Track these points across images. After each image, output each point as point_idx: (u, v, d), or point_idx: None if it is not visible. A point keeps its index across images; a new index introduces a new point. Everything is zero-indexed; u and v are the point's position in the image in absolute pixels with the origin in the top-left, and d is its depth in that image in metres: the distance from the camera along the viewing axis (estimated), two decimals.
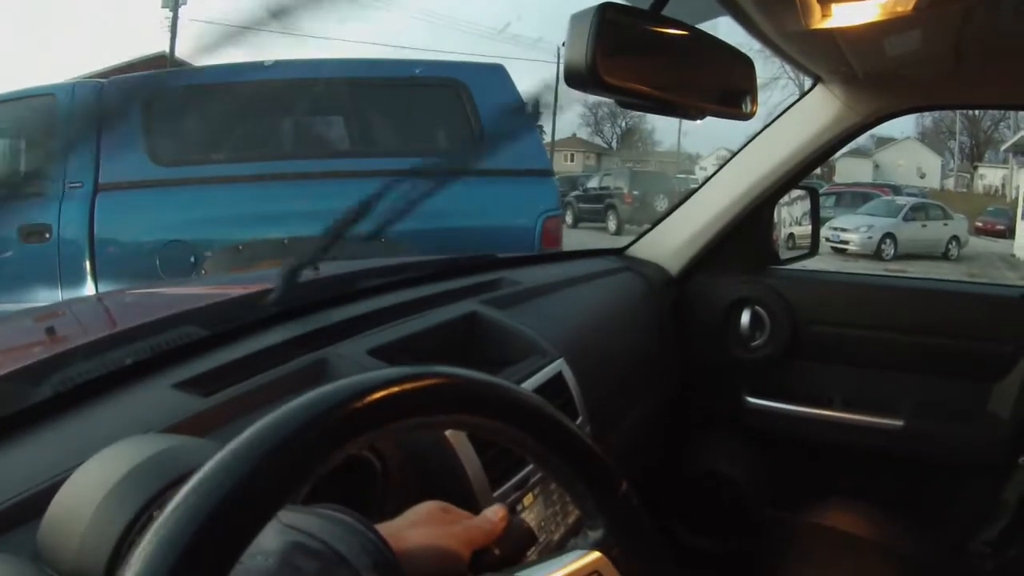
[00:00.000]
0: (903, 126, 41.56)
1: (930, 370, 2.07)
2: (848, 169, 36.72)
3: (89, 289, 3.69)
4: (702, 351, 2.21)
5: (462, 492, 0.97)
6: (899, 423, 2.05)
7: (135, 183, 3.78)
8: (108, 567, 0.58)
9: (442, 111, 4.13)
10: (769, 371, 2.17)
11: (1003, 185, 33.89)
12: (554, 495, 1.17)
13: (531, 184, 4.04)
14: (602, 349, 1.62)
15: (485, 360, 1.30)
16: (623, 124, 47.47)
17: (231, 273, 3.48)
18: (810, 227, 2.30)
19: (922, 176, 38.45)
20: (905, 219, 18.74)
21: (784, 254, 2.25)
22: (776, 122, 2.08)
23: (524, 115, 4.43)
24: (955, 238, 19.28)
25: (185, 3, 20.73)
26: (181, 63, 17.82)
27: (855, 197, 22.51)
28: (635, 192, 21.80)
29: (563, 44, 0.89)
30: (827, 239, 16.75)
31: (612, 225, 21.09)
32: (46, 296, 3.64)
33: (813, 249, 2.31)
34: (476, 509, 0.73)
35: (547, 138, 36.14)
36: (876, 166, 39.35)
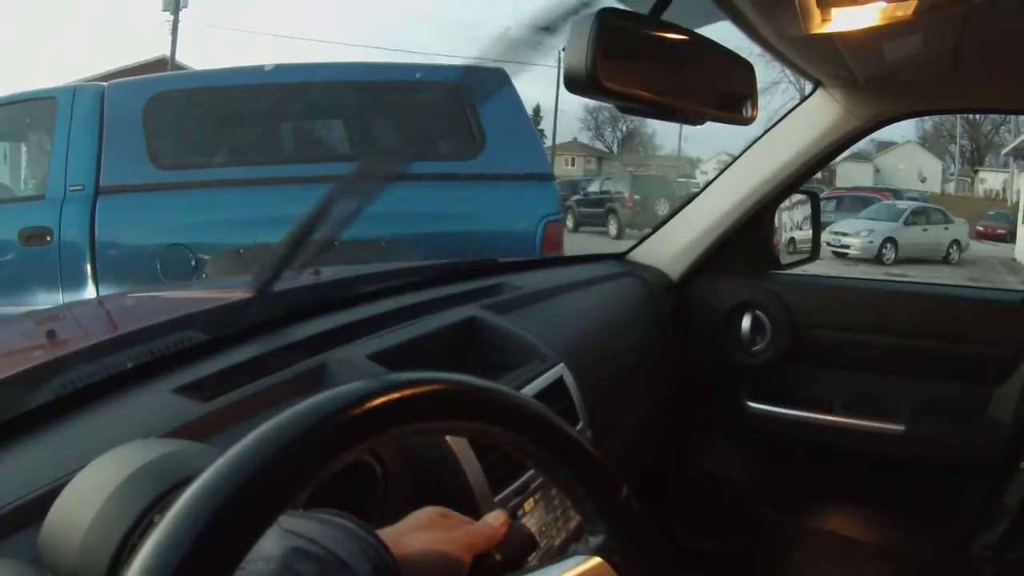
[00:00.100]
0: (903, 130, 41.58)
1: (931, 374, 2.07)
2: (849, 173, 36.72)
3: (90, 292, 3.68)
4: (703, 355, 2.21)
5: (463, 497, 0.97)
6: (900, 427, 2.05)
7: (136, 186, 3.78)
8: (109, 571, 0.58)
9: (443, 115, 4.13)
10: (770, 375, 2.17)
11: (1004, 189, 33.86)
12: (555, 500, 1.17)
13: (532, 188, 4.03)
14: (603, 354, 1.62)
15: (485, 365, 1.30)
16: (624, 128, 47.56)
17: (232, 277, 3.48)
18: (811, 231, 2.30)
19: (923, 180, 38.41)
20: (906, 223, 18.74)
21: (785, 258, 2.25)
22: (777, 127, 2.08)
23: (525, 119, 4.43)
24: (956, 242, 19.27)
25: (186, 6, 20.78)
26: (182, 67, 17.86)
27: (856, 201, 22.51)
28: (636, 196, 21.79)
29: (563, 49, 0.89)
30: (828, 243, 16.76)
31: (613, 229, 21.09)
32: (47, 299, 3.64)
33: (814, 253, 2.31)
34: (477, 514, 0.73)
35: (548, 142, 36.20)
36: (877, 170, 39.32)
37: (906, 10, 1.25)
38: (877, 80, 1.84)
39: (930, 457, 2.06)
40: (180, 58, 20.59)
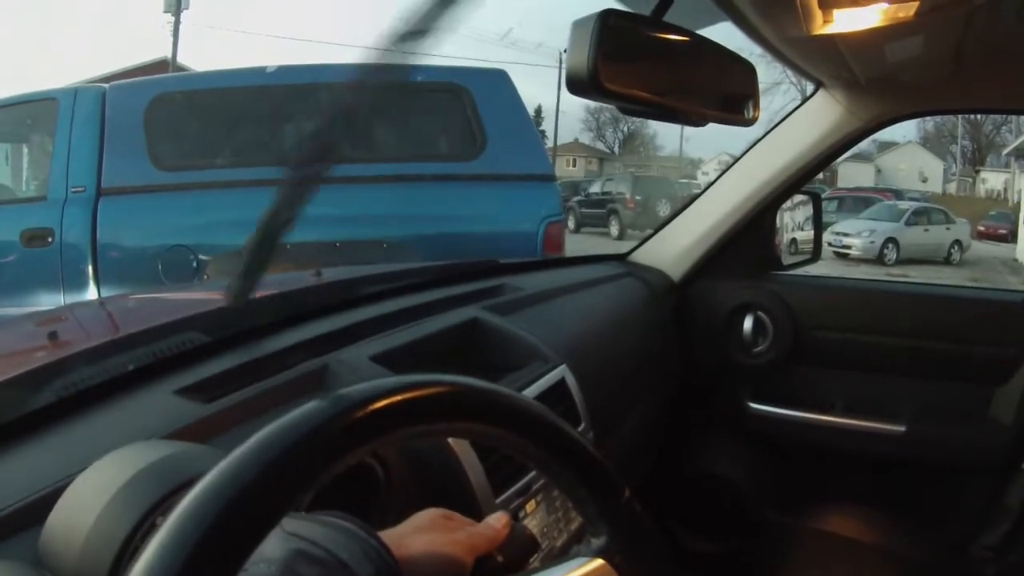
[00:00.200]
0: (905, 130, 41.57)
1: (932, 375, 2.07)
2: (850, 173, 36.71)
3: (91, 294, 3.69)
4: (704, 356, 2.21)
5: (464, 499, 0.97)
6: (901, 428, 2.04)
7: (138, 187, 3.78)
8: (110, 574, 0.58)
9: (444, 116, 4.13)
10: (771, 376, 2.17)
11: (1005, 189, 33.87)
12: (556, 502, 1.17)
13: (533, 189, 4.03)
14: (605, 355, 1.62)
15: (487, 366, 1.30)
16: (625, 129, 47.61)
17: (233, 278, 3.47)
18: (812, 232, 2.30)
19: (924, 180, 38.40)
20: (907, 223, 18.73)
21: (786, 259, 2.25)
22: (778, 127, 2.08)
23: (526, 120, 4.43)
24: (957, 242, 19.25)
25: (187, 8, 20.80)
26: (183, 68, 17.87)
27: (857, 202, 22.50)
28: (637, 197, 21.82)
29: (565, 50, 0.89)
30: (829, 244, 16.75)
31: (614, 230, 21.11)
32: (48, 300, 3.64)
33: (815, 254, 2.31)
34: (479, 516, 0.73)
35: (549, 143, 36.20)
36: (878, 170, 39.32)
37: (908, 11, 1.25)
38: (879, 81, 1.84)
39: (931, 458, 2.06)
40: (181, 59, 20.64)
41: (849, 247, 17.76)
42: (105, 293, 3.70)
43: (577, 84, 0.88)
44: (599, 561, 0.65)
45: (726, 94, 1.13)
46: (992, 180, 36.51)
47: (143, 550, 0.41)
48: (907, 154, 39.83)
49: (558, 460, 0.63)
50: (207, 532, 0.42)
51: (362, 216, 3.73)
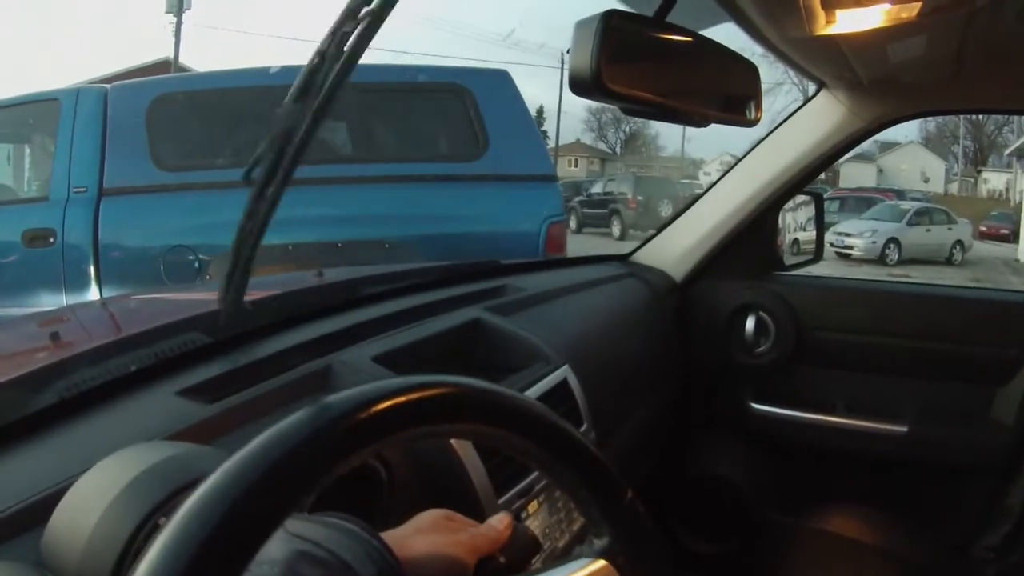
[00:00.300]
0: (907, 130, 41.54)
1: (934, 375, 2.07)
2: (852, 174, 36.66)
3: (93, 294, 3.68)
4: (706, 357, 2.21)
5: (467, 500, 0.97)
6: (903, 428, 2.04)
7: (139, 188, 3.77)
8: (113, 574, 0.58)
9: (446, 116, 4.13)
10: (773, 377, 2.17)
11: (1007, 189, 33.81)
12: (559, 502, 1.17)
13: (535, 189, 4.03)
14: (606, 355, 1.62)
15: (489, 367, 1.30)
16: (627, 129, 47.56)
17: None
18: (814, 232, 2.30)
19: (926, 180, 38.34)
20: (909, 224, 18.71)
21: (788, 260, 2.25)
22: (780, 128, 2.08)
23: (528, 120, 4.43)
24: (959, 243, 19.23)
25: (189, 8, 20.81)
26: (185, 69, 17.89)
27: (859, 202, 22.49)
28: (639, 197, 21.81)
29: (567, 50, 0.89)
30: (831, 244, 16.75)
31: (616, 230, 21.11)
32: (50, 301, 3.64)
33: (817, 255, 2.31)
34: (481, 517, 0.73)
35: (551, 143, 36.20)
36: (880, 171, 39.26)
37: (910, 12, 1.25)
38: (881, 82, 1.84)
39: (933, 458, 2.06)
40: (183, 60, 20.66)
41: (851, 247, 17.75)
42: (107, 293, 3.70)
43: (580, 85, 0.88)
44: (601, 562, 0.65)
45: (729, 95, 1.13)
46: (994, 180, 36.47)
47: (146, 551, 0.41)
48: (909, 154, 39.78)
49: (560, 461, 0.63)
50: (211, 533, 0.42)
51: (364, 216, 3.73)
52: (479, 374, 0.63)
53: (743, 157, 2.15)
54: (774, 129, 2.10)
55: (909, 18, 1.28)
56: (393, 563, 0.58)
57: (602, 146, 48.85)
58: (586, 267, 2.15)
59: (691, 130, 38.66)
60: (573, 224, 20.48)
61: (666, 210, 19.85)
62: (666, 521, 2.20)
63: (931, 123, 39.37)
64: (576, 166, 44.38)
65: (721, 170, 2.32)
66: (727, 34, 1.15)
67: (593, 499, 0.65)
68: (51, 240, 3.72)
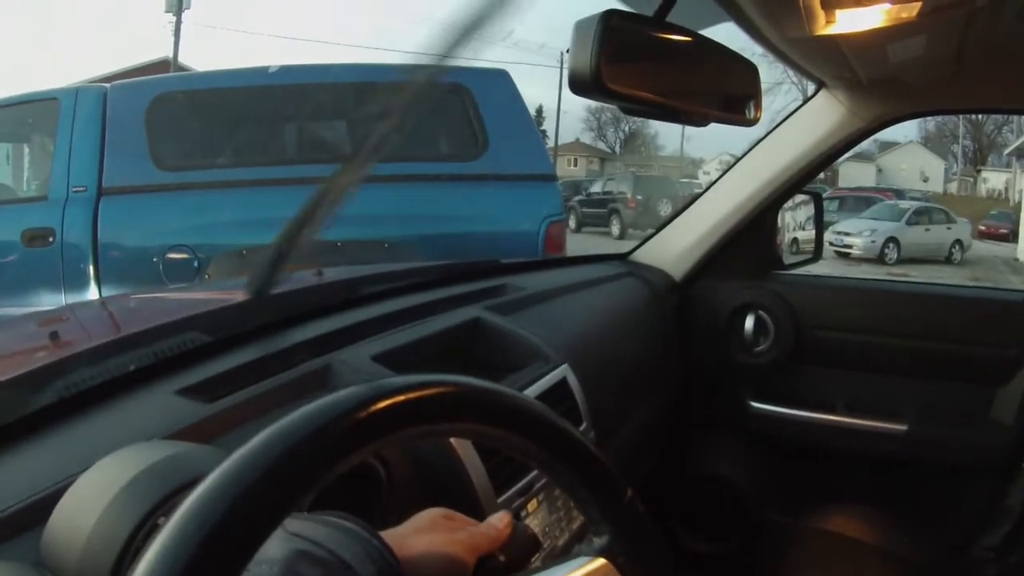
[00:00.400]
0: (906, 130, 41.47)
1: (933, 375, 2.07)
2: (851, 173, 36.66)
3: (92, 293, 3.68)
4: (706, 356, 2.21)
5: (466, 499, 0.97)
6: (902, 428, 2.04)
7: (139, 187, 3.77)
8: (112, 574, 0.58)
9: (446, 116, 4.12)
10: (773, 376, 2.17)
11: (1006, 189, 33.80)
12: (558, 501, 1.17)
13: (534, 189, 4.03)
14: (606, 355, 1.62)
15: (489, 366, 1.30)
16: (626, 129, 47.53)
17: (235, 278, 3.48)
18: (814, 232, 2.30)
19: (925, 180, 38.33)
20: (908, 223, 18.71)
21: (788, 259, 2.25)
22: (780, 127, 2.08)
23: (527, 120, 4.42)
24: (958, 242, 19.23)
25: (188, 7, 20.81)
26: (184, 68, 17.88)
27: (858, 201, 22.48)
28: (638, 197, 21.81)
29: (567, 50, 0.89)
30: (830, 243, 16.75)
31: (616, 230, 21.10)
32: (49, 301, 3.64)
33: (817, 254, 2.31)
34: (480, 516, 0.73)
35: (550, 142, 36.19)
36: (879, 170, 39.25)
37: (910, 12, 1.25)
38: (880, 81, 1.84)
39: (933, 458, 2.06)
40: (182, 59, 20.66)
41: (850, 247, 17.75)
42: (106, 293, 3.70)
43: (580, 84, 0.88)
44: (601, 560, 0.65)
45: (728, 94, 1.14)
46: (993, 180, 36.45)
47: (145, 551, 0.41)
48: (908, 154, 39.77)
49: (560, 460, 0.63)
50: (210, 532, 0.42)
51: (363, 215, 3.72)
52: (479, 373, 0.63)
53: (742, 156, 2.15)
54: (773, 129, 2.10)
55: (909, 18, 1.28)
56: (393, 562, 0.58)
57: (601, 145, 48.86)
58: (585, 266, 2.15)
59: (690, 129, 38.73)
60: (572, 223, 20.49)
61: (665, 209, 19.87)
62: (666, 521, 2.20)
63: (931, 123, 39.40)
64: (575, 165, 44.35)
65: (720, 169, 2.32)
66: (727, 34, 1.15)
67: (593, 499, 0.65)
68: (50, 239, 3.72)
